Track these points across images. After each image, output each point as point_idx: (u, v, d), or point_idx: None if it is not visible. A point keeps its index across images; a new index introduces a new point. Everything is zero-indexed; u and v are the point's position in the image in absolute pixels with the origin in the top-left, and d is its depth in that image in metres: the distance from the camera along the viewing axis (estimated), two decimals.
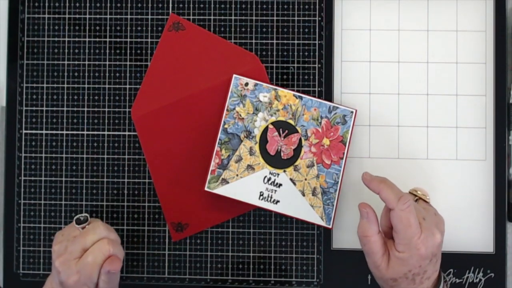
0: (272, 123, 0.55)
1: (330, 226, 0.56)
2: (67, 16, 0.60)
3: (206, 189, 0.55)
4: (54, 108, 0.60)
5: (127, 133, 0.59)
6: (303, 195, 0.55)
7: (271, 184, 0.55)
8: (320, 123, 0.56)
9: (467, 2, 0.59)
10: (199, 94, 0.58)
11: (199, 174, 0.58)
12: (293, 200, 0.55)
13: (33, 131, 0.60)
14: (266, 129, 0.55)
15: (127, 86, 0.60)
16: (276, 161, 0.55)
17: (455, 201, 0.58)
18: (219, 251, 0.59)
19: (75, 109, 0.60)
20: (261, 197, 0.55)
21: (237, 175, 0.55)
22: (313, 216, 0.56)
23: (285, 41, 0.59)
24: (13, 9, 0.60)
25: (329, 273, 0.58)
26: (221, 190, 0.55)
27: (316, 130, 0.56)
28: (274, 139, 0.55)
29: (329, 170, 0.56)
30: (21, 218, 0.59)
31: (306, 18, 0.59)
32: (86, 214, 0.52)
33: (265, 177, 0.55)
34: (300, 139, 0.56)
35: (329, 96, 0.59)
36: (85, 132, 0.60)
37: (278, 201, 0.55)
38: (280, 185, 0.55)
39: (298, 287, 0.58)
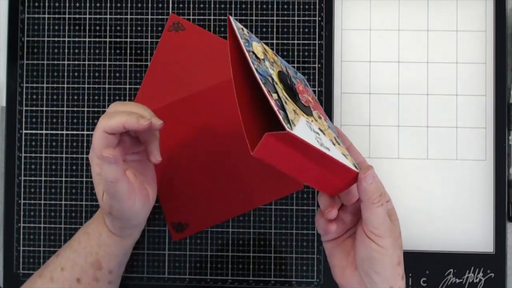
0: (278, 74, 0.46)
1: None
2: (67, 16, 0.60)
3: (293, 132, 0.39)
4: (54, 108, 0.60)
5: None
6: (334, 144, 0.46)
7: (313, 131, 0.44)
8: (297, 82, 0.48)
9: (467, 2, 0.59)
10: (199, 94, 0.58)
11: (199, 174, 0.58)
12: (332, 148, 0.45)
13: (33, 131, 0.60)
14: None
15: (127, 86, 0.60)
16: (303, 107, 0.45)
17: (455, 201, 0.58)
18: (219, 251, 0.59)
19: (75, 109, 0.60)
20: (321, 146, 0.43)
21: (294, 118, 0.41)
22: (350, 163, 0.46)
23: (285, 41, 0.59)
24: (13, 9, 0.60)
25: (329, 273, 0.58)
26: (297, 129, 0.40)
27: (302, 87, 0.48)
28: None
29: (328, 122, 0.49)
30: (21, 218, 0.59)
31: (306, 18, 0.59)
32: None
33: (307, 122, 0.43)
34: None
35: (329, 96, 0.59)
36: (85, 132, 0.60)
37: (328, 149, 0.43)
38: (318, 133, 0.44)
39: (298, 287, 0.58)
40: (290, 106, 0.42)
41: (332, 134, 0.48)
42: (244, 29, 0.46)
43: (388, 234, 0.46)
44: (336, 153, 0.44)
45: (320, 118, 0.47)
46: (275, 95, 0.41)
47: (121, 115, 0.46)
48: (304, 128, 0.41)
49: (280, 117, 0.39)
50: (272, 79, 0.44)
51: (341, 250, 0.49)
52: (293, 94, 0.45)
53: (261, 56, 0.44)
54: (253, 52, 0.44)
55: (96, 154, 0.47)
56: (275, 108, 0.39)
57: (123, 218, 0.49)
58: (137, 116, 0.46)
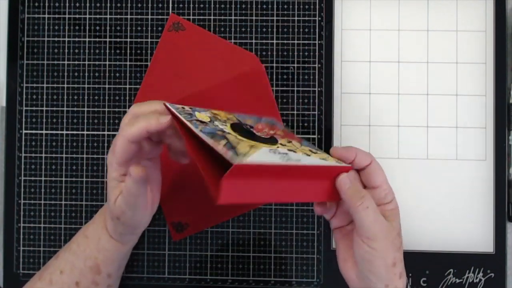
0: (231, 126, 0.48)
1: (351, 166, 0.47)
2: (67, 16, 0.60)
3: (242, 162, 0.41)
4: (54, 108, 0.60)
5: None
6: (308, 155, 0.47)
7: (278, 153, 0.45)
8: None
9: (467, 2, 0.59)
10: (199, 94, 0.58)
11: (199, 174, 0.58)
12: (306, 158, 0.46)
13: (33, 131, 0.60)
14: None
15: (127, 86, 0.60)
16: (264, 140, 0.47)
17: (455, 201, 0.58)
18: (219, 251, 0.59)
19: (75, 109, 0.60)
20: (288, 160, 0.45)
21: (248, 151, 0.43)
22: (331, 162, 0.46)
23: (285, 41, 0.59)
24: (13, 9, 0.60)
25: (329, 273, 0.58)
26: (253, 157, 0.42)
27: (265, 126, 0.50)
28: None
29: (303, 143, 0.50)
30: (21, 218, 0.59)
31: (306, 18, 0.59)
32: None
33: (270, 150, 0.45)
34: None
35: (329, 96, 0.59)
36: (85, 132, 0.60)
37: (299, 160, 0.45)
38: (285, 153, 0.46)
39: (298, 287, 0.58)
40: (244, 143, 0.44)
41: (307, 148, 0.48)
42: (185, 106, 0.48)
43: (381, 236, 0.45)
44: (310, 160, 0.45)
45: (290, 142, 0.48)
46: (222, 142, 0.44)
47: (141, 121, 0.45)
48: (264, 154, 0.43)
49: (227, 157, 0.42)
50: (223, 131, 0.46)
51: (345, 242, 0.49)
52: (251, 134, 0.47)
53: (206, 119, 0.46)
54: (198, 120, 0.46)
55: (118, 161, 0.46)
56: (222, 151, 0.42)
57: (131, 225, 0.49)
58: (156, 116, 0.45)
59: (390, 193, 0.48)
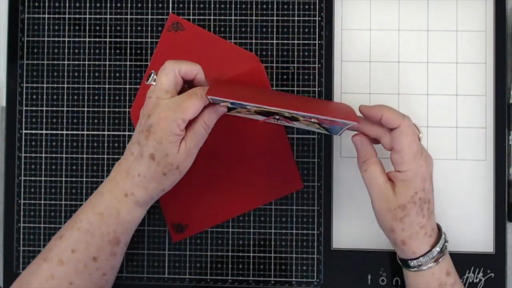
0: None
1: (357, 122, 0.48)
2: (67, 16, 0.60)
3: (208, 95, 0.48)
4: (54, 108, 0.60)
5: (127, 133, 0.59)
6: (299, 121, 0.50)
7: (248, 112, 0.51)
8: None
9: (467, 2, 0.59)
10: None
11: (198, 174, 0.58)
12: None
13: (33, 131, 0.60)
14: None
15: (127, 86, 0.60)
16: (261, 112, 0.51)
17: (455, 201, 0.58)
18: (219, 251, 0.59)
19: (75, 109, 0.60)
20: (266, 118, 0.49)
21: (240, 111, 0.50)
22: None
23: (285, 41, 0.59)
24: (13, 9, 0.60)
25: (329, 273, 0.58)
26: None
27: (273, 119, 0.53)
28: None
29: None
30: (21, 218, 0.59)
31: (306, 18, 0.59)
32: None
33: (248, 109, 0.50)
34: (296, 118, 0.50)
35: (329, 96, 0.59)
36: (85, 132, 0.60)
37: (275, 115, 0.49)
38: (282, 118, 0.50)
39: (298, 287, 0.58)
40: (243, 111, 0.51)
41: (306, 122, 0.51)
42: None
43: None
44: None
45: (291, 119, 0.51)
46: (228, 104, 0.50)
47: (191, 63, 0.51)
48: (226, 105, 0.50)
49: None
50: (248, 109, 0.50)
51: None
52: (265, 113, 0.50)
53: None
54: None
55: (183, 117, 0.48)
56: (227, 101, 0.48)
57: (184, 170, 0.51)
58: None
59: (406, 163, 0.49)
